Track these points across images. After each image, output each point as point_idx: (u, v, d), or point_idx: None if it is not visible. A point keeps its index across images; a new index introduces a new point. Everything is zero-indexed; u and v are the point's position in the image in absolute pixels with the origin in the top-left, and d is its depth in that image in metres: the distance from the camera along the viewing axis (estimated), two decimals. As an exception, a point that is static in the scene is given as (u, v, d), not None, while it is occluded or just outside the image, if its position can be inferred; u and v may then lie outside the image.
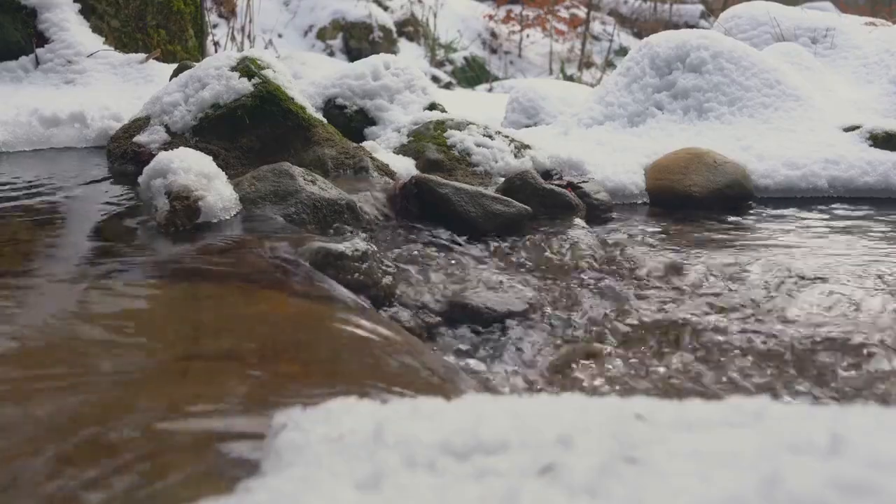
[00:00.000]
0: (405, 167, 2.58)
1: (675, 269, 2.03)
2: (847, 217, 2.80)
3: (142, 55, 3.75)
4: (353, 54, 10.21)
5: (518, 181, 2.38)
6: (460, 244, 1.99)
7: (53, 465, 0.78)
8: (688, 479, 0.57)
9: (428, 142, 2.85)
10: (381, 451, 0.65)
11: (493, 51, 12.76)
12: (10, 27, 3.66)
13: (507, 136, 2.99)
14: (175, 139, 2.40)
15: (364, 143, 2.72)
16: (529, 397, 0.81)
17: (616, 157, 3.10)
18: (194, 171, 1.79)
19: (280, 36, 10.43)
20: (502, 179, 2.56)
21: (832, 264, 2.10)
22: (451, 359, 1.45)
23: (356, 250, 1.61)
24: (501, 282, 1.79)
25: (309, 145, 2.44)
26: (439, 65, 11.53)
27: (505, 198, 2.20)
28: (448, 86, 10.29)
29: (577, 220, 2.32)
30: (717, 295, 1.84)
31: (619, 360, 1.49)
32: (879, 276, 1.99)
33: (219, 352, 1.12)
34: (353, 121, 3.18)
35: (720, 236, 2.46)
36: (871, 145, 3.32)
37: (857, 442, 0.60)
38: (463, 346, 1.52)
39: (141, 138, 2.46)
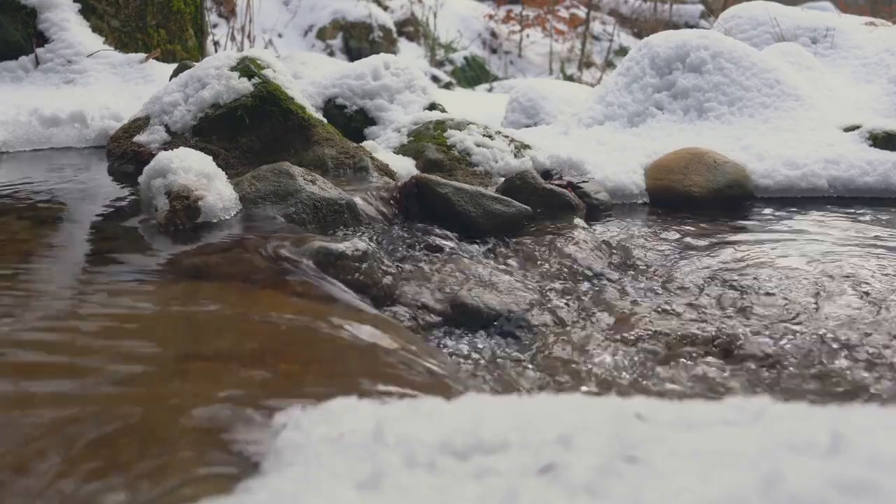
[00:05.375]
0: (405, 167, 2.58)
1: (676, 270, 2.03)
2: (847, 217, 2.80)
3: (142, 55, 3.75)
4: (353, 54, 10.20)
5: (518, 181, 2.38)
6: (460, 244, 1.99)
7: (53, 465, 0.78)
8: (688, 478, 0.57)
9: (428, 142, 2.85)
10: (382, 451, 0.65)
11: (493, 51, 12.75)
12: (10, 27, 3.66)
13: (507, 136, 2.99)
14: (175, 139, 2.40)
15: (364, 143, 2.73)
16: (529, 397, 0.81)
17: (616, 157, 3.10)
18: (194, 170, 1.79)
19: (280, 36, 10.43)
20: (502, 179, 2.56)
21: (829, 263, 2.10)
22: (451, 358, 1.45)
23: (356, 250, 1.61)
24: (501, 282, 1.79)
25: (309, 145, 2.44)
26: (439, 65, 11.52)
27: (505, 198, 2.20)
28: (448, 86, 10.29)
29: (578, 220, 2.32)
30: (717, 295, 1.84)
31: (618, 359, 1.49)
32: (879, 275, 1.99)
33: (219, 351, 1.12)
34: (353, 121, 3.18)
35: (720, 236, 2.46)
36: (870, 145, 3.32)
37: (858, 441, 0.60)
38: (463, 346, 1.52)
39: (141, 138, 2.46)
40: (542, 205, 2.32)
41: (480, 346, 1.54)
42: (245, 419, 0.89)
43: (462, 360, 1.46)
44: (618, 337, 1.59)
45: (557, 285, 1.86)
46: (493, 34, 13.04)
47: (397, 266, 1.76)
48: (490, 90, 9.54)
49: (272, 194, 1.86)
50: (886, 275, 2.00)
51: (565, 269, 1.95)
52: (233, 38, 7.09)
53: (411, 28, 12.15)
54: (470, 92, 9.40)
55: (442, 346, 1.52)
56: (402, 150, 2.84)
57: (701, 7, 14.40)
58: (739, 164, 3.08)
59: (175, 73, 2.97)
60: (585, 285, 1.88)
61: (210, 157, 1.90)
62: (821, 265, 2.09)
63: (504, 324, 1.62)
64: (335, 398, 0.80)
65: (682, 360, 1.50)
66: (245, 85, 2.42)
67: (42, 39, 3.69)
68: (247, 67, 2.47)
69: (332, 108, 3.21)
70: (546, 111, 4.22)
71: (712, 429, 0.68)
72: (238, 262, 1.48)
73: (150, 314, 1.27)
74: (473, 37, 12.62)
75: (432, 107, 3.32)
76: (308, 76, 3.52)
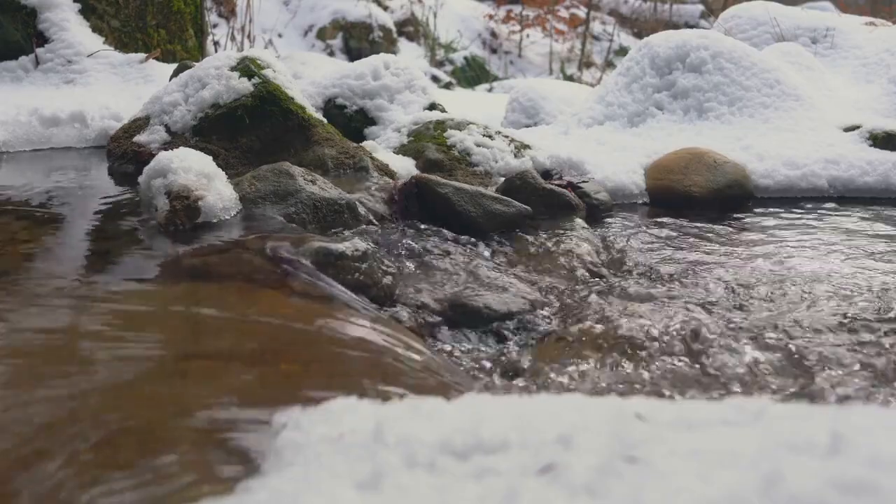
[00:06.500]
0: (405, 167, 2.58)
1: (675, 270, 2.03)
2: (848, 217, 2.80)
3: (142, 55, 3.74)
4: (353, 54, 10.20)
5: (518, 181, 2.38)
6: (460, 244, 1.99)
7: (53, 465, 0.78)
8: (688, 478, 0.57)
9: (428, 142, 2.85)
10: (382, 451, 0.65)
11: (493, 51, 12.75)
12: (10, 27, 3.66)
13: (507, 136, 2.99)
14: (175, 139, 2.40)
15: (364, 143, 2.72)
16: (529, 397, 0.81)
17: (616, 157, 3.10)
18: (194, 170, 1.79)
19: (280, 36, 10.43)
20: (502, 179, 2.56)
21: (829, 263, 2.10)
22: (451, 359, 1.45)
23: (356, 250, 1.61)
24: (501, 282, 1.79)
25: (309, 145, 2.44)
26: (439, 65, 11.52)
27: (505, 198, 2.20)
28: (448, 86, 10.29)
29: (578, 220, 2.32)
30: (718, 295, 1.84)
31: (618, 360, 1.49)
32: (876, 273, 1.99)
33: (219, 351, 1.12)
34: (353, 121, 3.18)
35: (720, 236, 2.46)
36: (870, 145, 3.32)
37: (858, 441, 0.60)
38: (463, 346, 1.52)
39: (141, 138, 2.46)
40: (542, 205, 2.32)
41: (480, 346, 1.54)
42: (245, 419, 0.89)
43: (462, 361, 1.46)
44: (619, 337, 1.59)
45: (558, 285, 1.86)
46: (493, 34, 13.04)
47: (397, 266, 1.76)
48: (490, 90, 9.54)
49: (272, 194, 1.86)
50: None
51: (565, 270, 1.95)
52: (233, 38, 7.09)
53: (411, 28, 12.15)
54: (470, 92, 9.40)
55: (442, 346, 1.52)
56: (402, 150, 2.84)
57: (701, 7, 14.40)
58: (739, 164, 3.08)
59: (175, 73, 2.97)
60: (585, 285, 1.88)
61: (210, 157, 1.90)
62: (815, 264, 2.09)
63: (504, 324, 1.62)
64: (335, 398, 0.80)
65: (684, 360, 1.50)
66: (245, 85, 2.42)
67: (42, 39, 3.69)
68: (247, 67, 2.47)
69: (332, 108, 3.21)
70: (546, 111, 4.22)
71: (712, 429, 0.68)
72: (238, 263, 1.48)
73: (150, 314, 1.27)
74: (473, 37, 12.62)
75: (432, 107, 3.32)
76: (308, 76, 3.52)
